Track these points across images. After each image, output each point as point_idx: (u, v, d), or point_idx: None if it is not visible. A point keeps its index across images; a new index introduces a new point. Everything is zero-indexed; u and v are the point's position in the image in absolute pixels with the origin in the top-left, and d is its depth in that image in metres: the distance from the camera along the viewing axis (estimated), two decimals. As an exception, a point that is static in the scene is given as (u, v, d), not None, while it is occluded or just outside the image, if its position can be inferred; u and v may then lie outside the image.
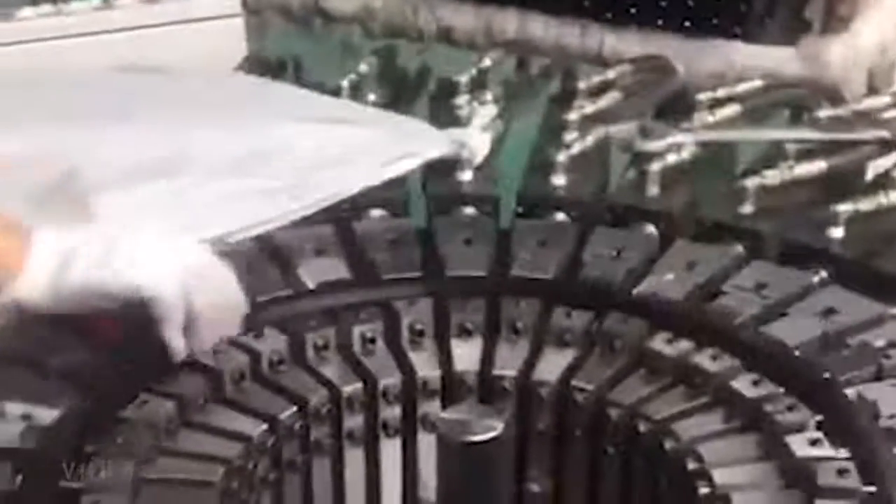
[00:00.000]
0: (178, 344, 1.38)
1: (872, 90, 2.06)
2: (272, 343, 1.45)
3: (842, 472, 1.28)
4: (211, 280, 1.40)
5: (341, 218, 1.64)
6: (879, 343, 1.44)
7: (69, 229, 1.53)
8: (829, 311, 1.48)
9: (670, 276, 1.53)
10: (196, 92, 1.83)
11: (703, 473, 1.31)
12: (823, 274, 1.56)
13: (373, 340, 1.48)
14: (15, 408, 1.34)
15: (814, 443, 1.32)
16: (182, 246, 1.41)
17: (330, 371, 1.45)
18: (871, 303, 1.50)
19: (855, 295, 1.51)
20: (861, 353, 1.43)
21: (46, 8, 2.03)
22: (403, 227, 1.63)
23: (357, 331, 1.48)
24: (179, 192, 1.64)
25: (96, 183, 1.62)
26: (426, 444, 1.47)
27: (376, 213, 1.68)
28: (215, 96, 1.82)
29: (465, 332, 1.49)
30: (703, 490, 1.31)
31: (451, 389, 1.46)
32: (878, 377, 1.41)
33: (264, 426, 1.39)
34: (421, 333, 1.49)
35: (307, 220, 1.62)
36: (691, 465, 1.33)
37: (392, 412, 1.46)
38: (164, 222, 1.58)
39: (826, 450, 1.31)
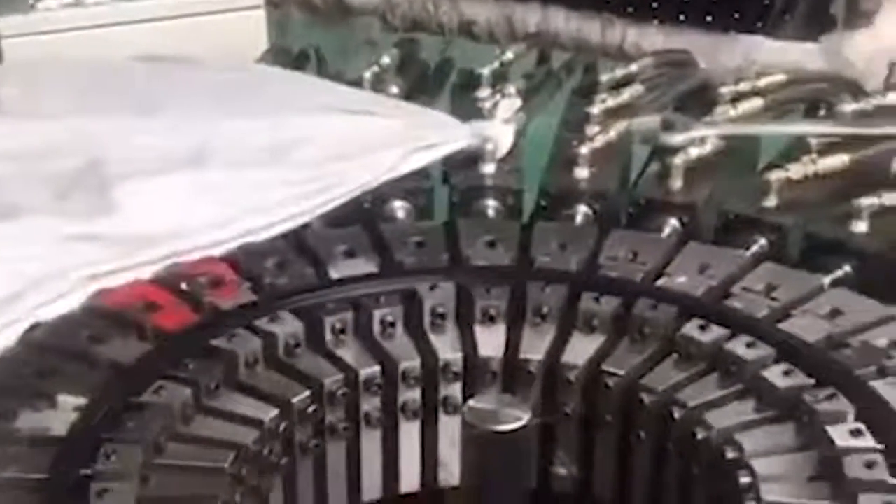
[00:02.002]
0: None
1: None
2: (289, 327, 1.45)
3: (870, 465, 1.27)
4: None
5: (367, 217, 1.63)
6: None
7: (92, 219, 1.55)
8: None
9: (682, 279, 1.53)
10: (219, 83, 1.82)
11: (743, 463, 1.31)
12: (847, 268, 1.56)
13: (392, 324, 1.47)
14: (69, 400, 1.34)
15: (855, 433, 1.30)
16: None
17: (347, 354, 1.45)
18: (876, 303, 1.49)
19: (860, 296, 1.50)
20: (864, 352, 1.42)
21: (69, -2, 2.04)
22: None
23: (377, 315, 1.47)
24: (204, 183, 1.64)
25: (119, 174, 1.62)
26: (447, 427, 1.46)
27: (399, 204, 1.68)
28: (238, 87, 1.81)
29: (489, 319, 1.48)
30: (744, 480, 1.30)
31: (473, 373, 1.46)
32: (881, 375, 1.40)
33: (276, 411, 1.39)
34: (443, 317, 1.47)
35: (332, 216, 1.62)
36: (730, 454, 1.32)
37: (411, 395, 1.45)
38: (191, 214, 1.59)
39: (867, 441, 1.30)
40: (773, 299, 1.49)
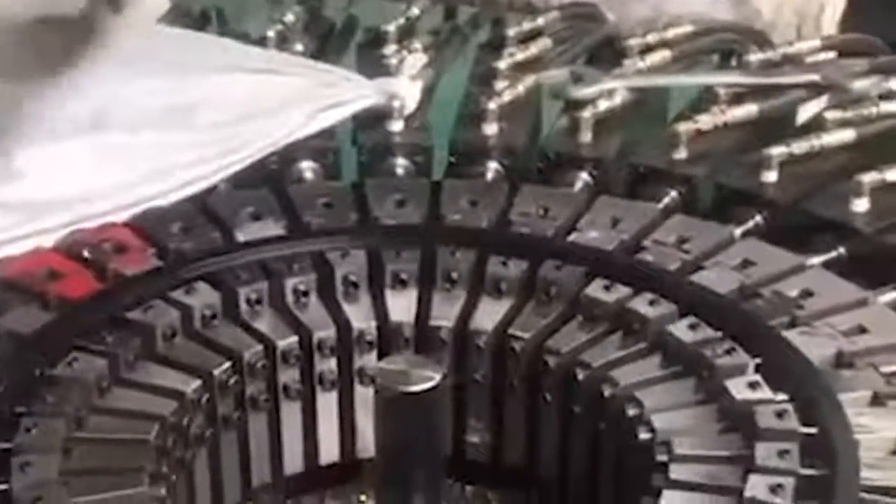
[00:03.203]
0: None
1: (801, 35, 2.06)
2: (204, 298, 1.43)
3: (781, 415, 1.28)
4: None
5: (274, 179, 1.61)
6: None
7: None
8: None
9: (594, 234, 1.52)
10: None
11: (644, 419, 1.31)
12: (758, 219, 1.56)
13: (306, 294, 1.45)
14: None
15: (752, 386, 1.31)
16: None
17: (264, 325, 1.43)
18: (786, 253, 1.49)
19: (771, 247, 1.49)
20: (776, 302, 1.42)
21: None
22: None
23: (290, 283, 1.45)
24: (106, 147, 1.61)
25: (21, 138, 1.59)
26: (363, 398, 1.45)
27: (306, 165, 1.66)
28: (139, 48, 1.78)
29: (400, 283, 1.47)
30: (644, 436, 1.30)
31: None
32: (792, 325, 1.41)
33: (198, 382, 1.36)
34: (355, 286, 1.46)
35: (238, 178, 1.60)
36: (631, 412, 1.33)
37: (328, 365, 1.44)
38: (93, 180, 1.56)
39: (765, 392, 1.30)
40: (685, 252, 1.48)
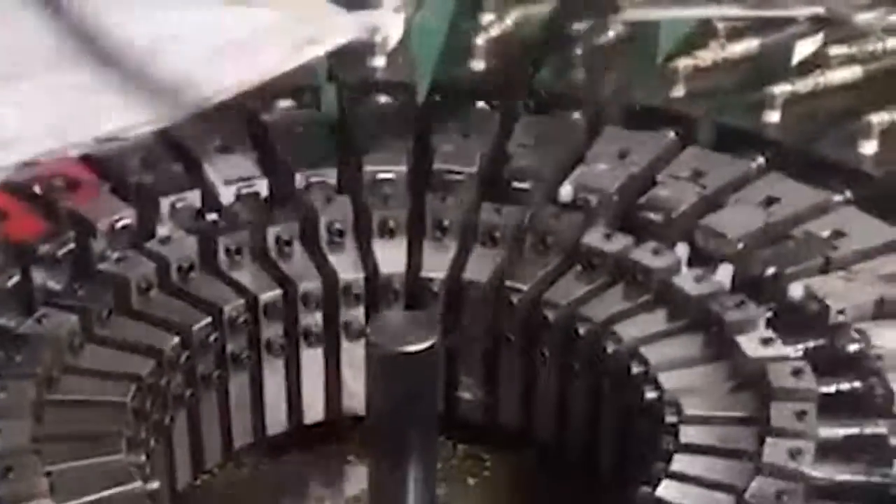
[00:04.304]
0: None
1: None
2: (181, 248, 1.34)
3: (797, 373, 1.21)
4: None
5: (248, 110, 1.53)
6: (824, 233, 1.37)
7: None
8: (771, 201, 1.41)
9: (602, 167, 1.45)
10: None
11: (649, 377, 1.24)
12: (761, 160, 1.48)
13: (289, 243, 1.37)
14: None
15: (766, 342, 1.25)
16: None
17: (244, 277, 1.35)
18: (812, 190, 1.43)
19: (795, 183, 1.44)
20: (806, 244, 1.36)
21: None
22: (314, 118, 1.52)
23: (272, 232, 1.37)
24: (71, 83, 1.53)
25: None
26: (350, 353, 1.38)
27: (284, 104, 1.57)
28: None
29: (389, 233, 1.39)
30: (650, 395, 1.24)
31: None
32: (825, 270, 1.34)
33: (177, 339, 1.29)
34: (340, 234, 1.38)
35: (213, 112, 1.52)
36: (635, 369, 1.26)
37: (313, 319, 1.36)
38: (56, 117, 1.48)
39: (779, 349, 1.24)
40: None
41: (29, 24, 1.58)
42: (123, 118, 1.49)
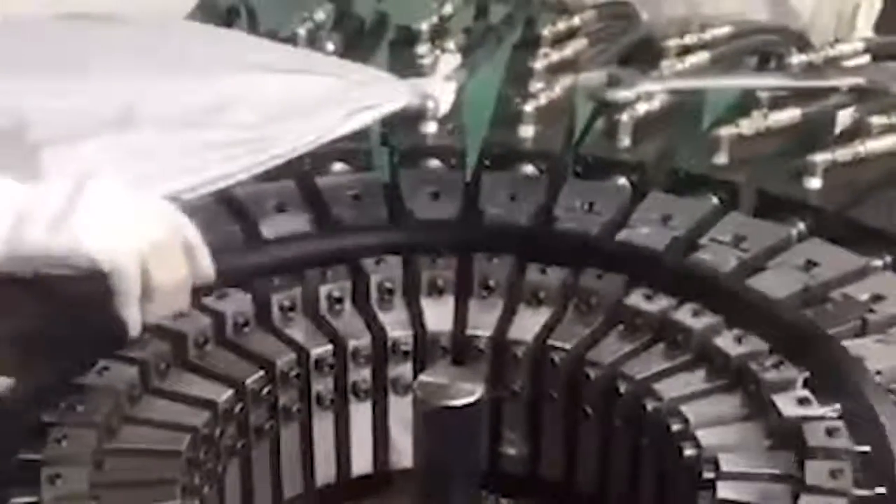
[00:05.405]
0: (134, 318, 1.31)
1: (837, 36, 2.02)
2: (236, 304, 1.39)
3: (832, 432, 1.24)
4: (171, 253, 1.32)
5: (303, 173, 1.58)
6: (863, 297, 1.40)
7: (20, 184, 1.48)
8: (811, 264, 1.44)
9: (646, 230, 1.49)
10: (148, 41, 1.75)
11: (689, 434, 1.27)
12: (801, 226, 1.52)
13: (340, 300, 1.42)
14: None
15: (802, 402, 1.28)
16: (145, 211, 1.33)
17: (297, 333, 1.40)
18: (852, 255, 1.46)
19: (836, 247, 1.47)
20: (845, 307, 1.39)
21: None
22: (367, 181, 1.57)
23: (324, 291, 1.42)
24: (134, 145, 1.58)
25: (47, 136, 1.55)
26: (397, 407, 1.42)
27: (339, 167, 1.62)
28: (168, 45, 1.74)
29: (437, 291, 1.44)
30: (689, 452, 1.27)
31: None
32: (862, 332, 1.37)
33: (231, 392, 1.33)
34: (390, 292, 1.43)
35: (268, 176, 1.57)
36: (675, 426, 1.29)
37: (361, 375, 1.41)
38: (118, 177, 1.53)
39: (815, 409, 1.27)
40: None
41: (90, 88, 1.63)
42: (183, 179, 1.54)
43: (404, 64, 1.80)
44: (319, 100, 1.65)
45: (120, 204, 1.32)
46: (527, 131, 1.66)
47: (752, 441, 1.27)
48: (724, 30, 1.85)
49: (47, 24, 1.80)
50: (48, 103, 1.60)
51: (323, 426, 1.41)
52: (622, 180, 1.60)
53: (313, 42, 1.84)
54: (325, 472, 1.42)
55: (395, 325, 1.42)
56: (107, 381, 1.29)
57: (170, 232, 1.33)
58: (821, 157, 1.58)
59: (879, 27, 2.13)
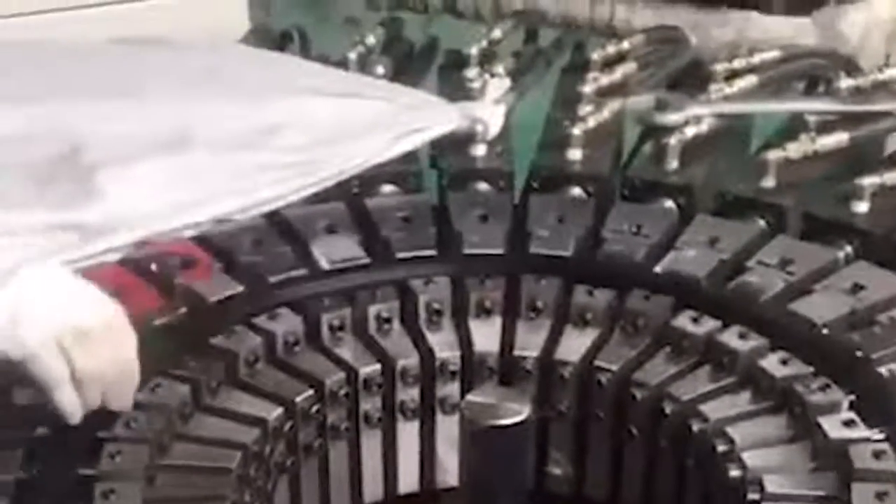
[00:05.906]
0: (68, 401, 1.24)
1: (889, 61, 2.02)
2: (287, 324, 1.41)
3: (878, 455, 1.25)
4: (95, 340, 1.24)
5: (353, 195, 1.60)
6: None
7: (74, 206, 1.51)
8: (857, 288, 1.45)
9: (692, 253, 1.50)
10: (201, 65, 1.78)
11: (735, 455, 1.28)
12: (848, 249, 1.52)
13: (388, 321, 1.44)
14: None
15: (847, 424, 1.28)
16: (73, 298, 1.26)
17: (346, 352, 1.42)
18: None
19: (882, 271, 1.47)
20: (891, 330, 1.40)
21: (45, -20, 1.98)
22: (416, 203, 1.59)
23: (373, 311, 1.43)
24: (186, 167, 1.60)
25: (101, 160, 1.58)
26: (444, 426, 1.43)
27: (388, 189, 1.64)
28: (221, 69, 1.77)
29: (485, 312, 1.45)
30: (734, 473, 1.27)
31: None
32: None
33: (280, 410, 1.35)
34: (438, 313, 1.44)
35: (318, 197, 1.59)
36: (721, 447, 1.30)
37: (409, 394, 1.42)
38: (171, 198, 1.55)
39: (861, 431, 1.27)
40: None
41: (144, 111, 1.65)
42: (234, 201, 1.56)
43: (454, 87, 1.81)
44: (369, 123, 1.67)
45: (46, 291, 1.26)
46: (575, 154, 1.68)
47: (797, 463, 1.28)
48: (773, 54, 1.86)
49: (102, 48, 1.84)
50: (103, 126, 1.63)
51: (371, 444, 1.42)
52: (669, 203, 1.61)
53: (364, 66, 1.86)
54: (372, 490, 1.44)
55: (443, 345, 1.43)
56: (159, 398, 1.31)
57: (96, 318, 1.25)
58: (868, 181, 1.58)
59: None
